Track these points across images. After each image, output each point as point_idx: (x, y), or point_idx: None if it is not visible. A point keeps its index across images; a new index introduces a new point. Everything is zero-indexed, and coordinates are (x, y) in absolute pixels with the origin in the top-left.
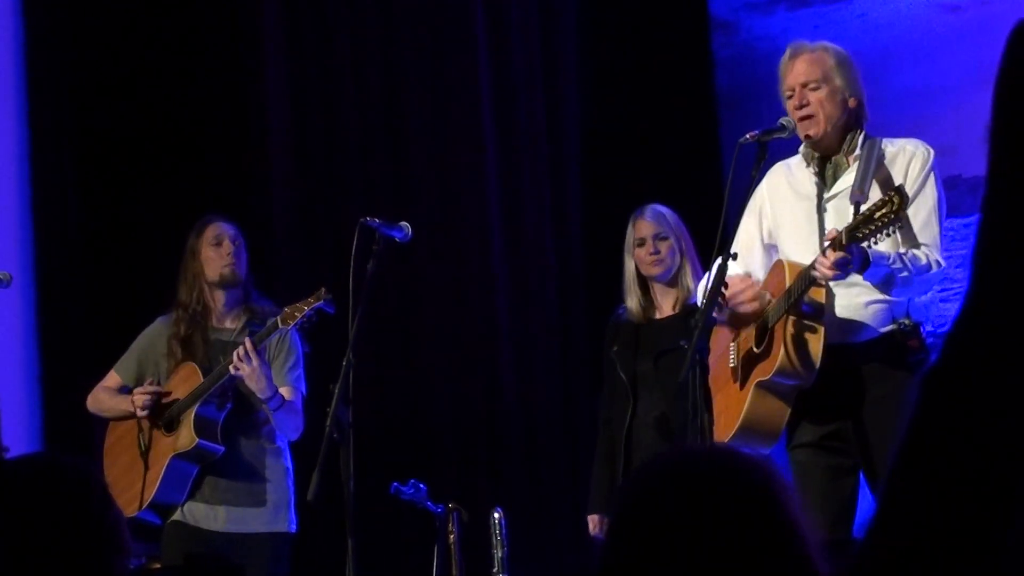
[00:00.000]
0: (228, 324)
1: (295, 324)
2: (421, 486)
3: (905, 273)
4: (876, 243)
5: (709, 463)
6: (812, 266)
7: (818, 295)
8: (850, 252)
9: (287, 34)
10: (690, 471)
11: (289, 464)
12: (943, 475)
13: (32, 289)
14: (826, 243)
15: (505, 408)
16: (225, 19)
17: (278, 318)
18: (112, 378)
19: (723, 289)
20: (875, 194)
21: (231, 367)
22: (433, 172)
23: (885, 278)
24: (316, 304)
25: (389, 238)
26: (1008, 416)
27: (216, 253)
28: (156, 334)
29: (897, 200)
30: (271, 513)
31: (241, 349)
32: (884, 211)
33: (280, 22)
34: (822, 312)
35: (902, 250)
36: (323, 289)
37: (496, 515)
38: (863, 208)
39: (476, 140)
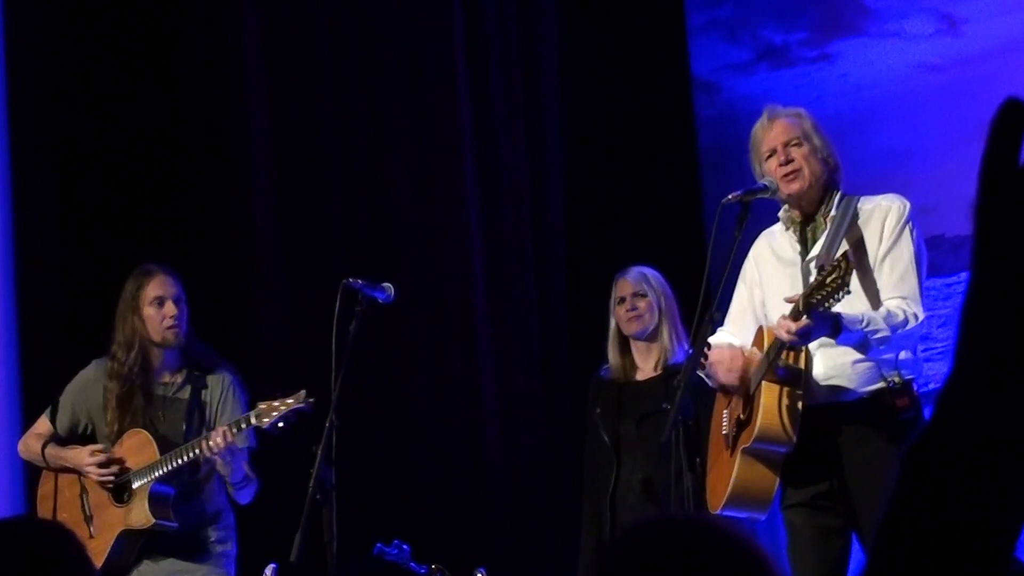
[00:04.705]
0: (167, 378)
1: (270, 424)
2: (404, 547)
3: (881, 333)
4: (829, 307)
5: (686, 533)
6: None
7: (795, 359)
8: (812, 319)
9: (270, 91)
10: (666, 541)
11: (232, 517)
12: (924, 554)
13: (15, 346)
14: (786, 309)
15: (488, 468)
16: (209, 73)
17: (252, 414)
18: (43, 424)
19: (706, 350)
20: None
21: (205, 450)
22: (417, 233)
23: (860, 341)
24: (296, 406)
25: (372, 299)
26: (992, 495)
27: (158, 314)
28: (91, 380)
29: (844, 265)
30: (212, 561)
31: (220, 438)
32: (834, 276)
33: (264, 78)
34: (798, 376)
35: (881, 309)
36: (304, 392)
37: (479, 575)
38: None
39: (459, 201)
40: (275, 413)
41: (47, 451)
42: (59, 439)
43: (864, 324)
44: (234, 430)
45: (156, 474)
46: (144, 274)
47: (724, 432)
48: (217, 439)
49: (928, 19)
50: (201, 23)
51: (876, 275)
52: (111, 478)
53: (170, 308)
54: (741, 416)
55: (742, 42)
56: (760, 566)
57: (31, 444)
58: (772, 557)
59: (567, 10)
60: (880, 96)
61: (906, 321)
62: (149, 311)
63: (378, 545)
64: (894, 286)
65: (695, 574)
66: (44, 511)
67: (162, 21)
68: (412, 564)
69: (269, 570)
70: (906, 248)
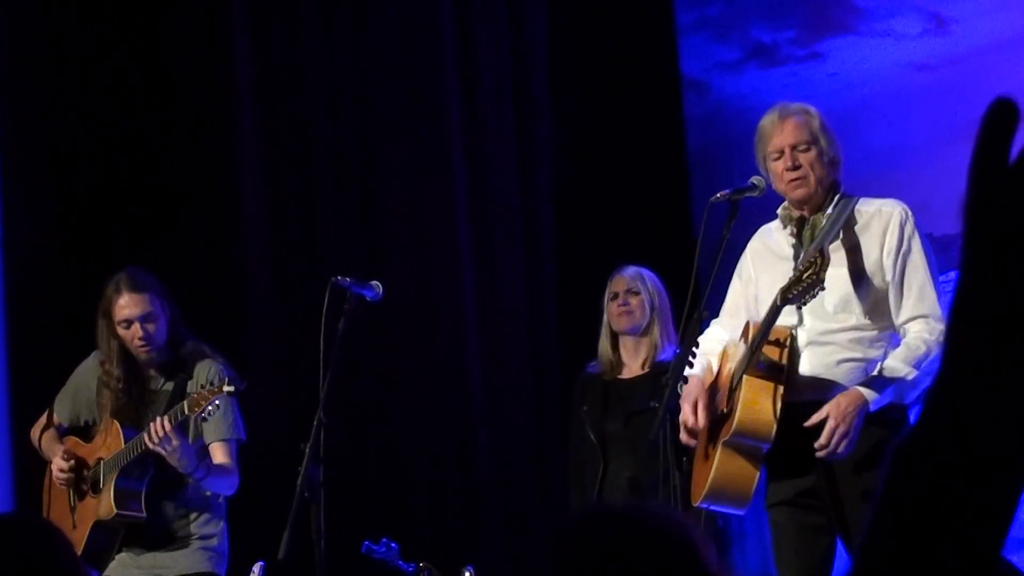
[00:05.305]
0: (154, 373)
1: (200, 412)
2: (393, 545)
3: (907, 378)
4: (805, 303)
5: (617, 520)
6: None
7: (772, 353)
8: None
9: (261, 94)
10: (599, 529)
11: (222, 512)
12: (912, 554)
13: (5, 345)
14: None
15: (477, 466)
16: (200, 75)
17: (185, 403)
18: (45, 415)
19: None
20: (839, 258)
21: (148, 442)
22: (406, 231)
23: (898, 392)
24: (219, 396)
25: (360, 297)
26: (981, 494)
27: (127, 334)
28: (91, 370)
29: (819, 261)
30: (193, 556)
31: (158, 427)
32: (809, 272)
33: (255, 83)
34: (780, 371)
35: (900, 348)
36: (227, 379)
37: (468, 574)
38: (795, 268)
39: (449, 200)
40: (203, 402)
41: (42, 441)
42: (64, 430)
43: (887, 375)
44: (171, 421)
45: (120, 465)
46: (114, 292)
47: (708, 425)
48: (155, 429)
49: (916, 18)
50: (192, 27)
51: (890, 295)
52: (65, 478)
53: (136, 330)
54: (724, 409)
55: (731, 41)
56: (689, 550)
57: (32, 433)
58: (707, 544)
59: (556, 9)
60: (869, 95)
61: (929, 351)
62: (120, 330)
63: (366, 543)
64: (913, 306)
65: (625, 560)
66: (45, 500)
67: (153, 26)
68: (400, 562)
69: (257, 568)
70: (920, 263)
